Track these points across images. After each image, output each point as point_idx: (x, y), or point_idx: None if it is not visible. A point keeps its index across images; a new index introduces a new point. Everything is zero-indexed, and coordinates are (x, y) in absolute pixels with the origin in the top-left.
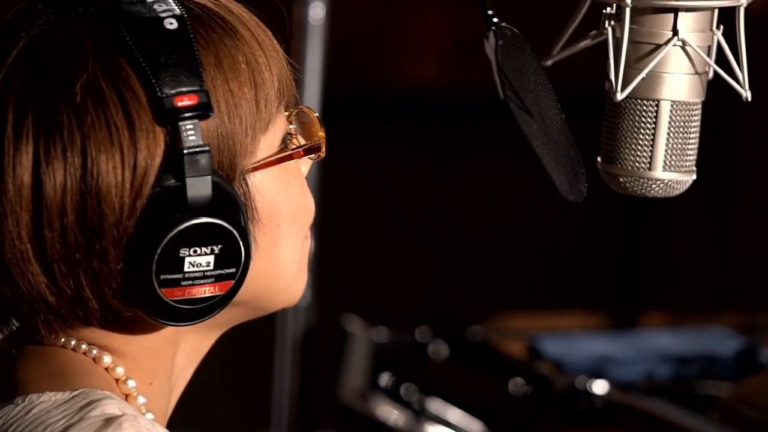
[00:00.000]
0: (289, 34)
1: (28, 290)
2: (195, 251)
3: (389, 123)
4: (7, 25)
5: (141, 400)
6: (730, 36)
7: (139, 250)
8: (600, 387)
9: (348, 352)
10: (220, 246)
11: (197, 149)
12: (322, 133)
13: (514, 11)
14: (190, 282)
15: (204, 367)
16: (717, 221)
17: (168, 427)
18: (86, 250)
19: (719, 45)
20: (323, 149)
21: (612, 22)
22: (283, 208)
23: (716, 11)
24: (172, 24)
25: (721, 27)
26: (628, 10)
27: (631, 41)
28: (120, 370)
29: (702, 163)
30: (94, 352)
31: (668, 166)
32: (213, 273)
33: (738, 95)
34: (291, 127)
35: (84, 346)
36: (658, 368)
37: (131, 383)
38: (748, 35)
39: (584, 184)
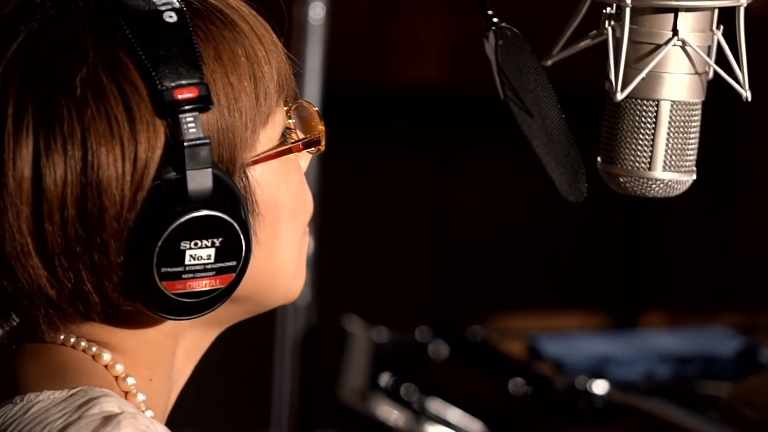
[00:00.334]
0: (289, 33)
1: (29, 284)
2: (196, 244)
3: (389, 123)
4: (6, 20)
5: (140, 397)
6: (730, 36)
7: (139, 243)
8: (600, 387)
9: (348, 352)
10: (221, 239)
11: (197, 142)
12: (321, 127)
13: (514, 11)
14: (191, 275)
15: (204, 367)
16: (717, 221)
17: (168, 425)
18: (87, 244)
19: (719, 45)
20: (323, 143)
21: (612, 22)
22: (283, 202)
23: (716, 11)
24: (171, 17)
25: (721, 27)
26: (628, 10)
27: (631, 41)
28: (119, 368)
29: (702, 163)
30: (94, 349)
31: (668, 166)
32: (214, 266)
33: (738, 95)
34: (290, 121)
35: (83, 343)
36: (658, 368)
37: (130, 380)
38: (748, 35)
39: (584, 184)
